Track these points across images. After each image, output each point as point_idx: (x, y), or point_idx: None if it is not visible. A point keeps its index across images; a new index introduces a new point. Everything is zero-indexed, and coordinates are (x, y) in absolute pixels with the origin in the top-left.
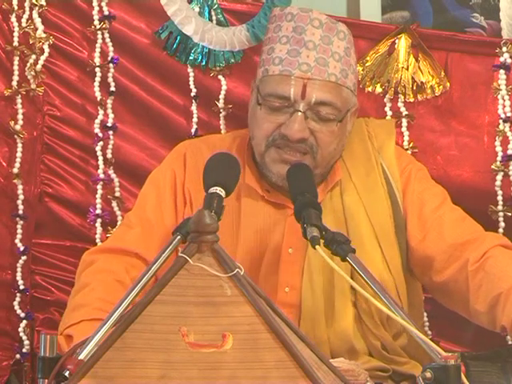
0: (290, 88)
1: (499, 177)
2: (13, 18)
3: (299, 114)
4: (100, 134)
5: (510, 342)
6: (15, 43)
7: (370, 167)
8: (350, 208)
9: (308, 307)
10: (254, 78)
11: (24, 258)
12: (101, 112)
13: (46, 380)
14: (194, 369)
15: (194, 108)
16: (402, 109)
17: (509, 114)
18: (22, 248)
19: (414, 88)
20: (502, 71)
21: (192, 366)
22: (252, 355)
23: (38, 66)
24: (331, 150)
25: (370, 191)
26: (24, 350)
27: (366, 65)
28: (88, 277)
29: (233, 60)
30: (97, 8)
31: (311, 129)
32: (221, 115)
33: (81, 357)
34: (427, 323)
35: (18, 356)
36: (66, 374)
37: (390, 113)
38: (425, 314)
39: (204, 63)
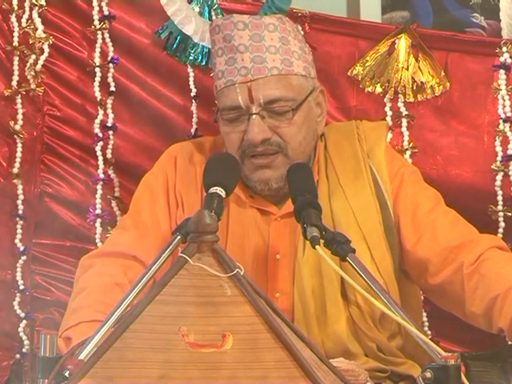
0: (237, 96)
1: (499, 177)
2: (13, 18)
3: (254, 117)
4: (100, 134)
5: (510, 342)
6: (15, 43)
7: (359, 171)
8: (337, 212)
9: (300, 312)
10: None
11: (24, 257)
12: (101, 112)
13: (46, 380)
14: (193, 369)
15: (193, 108)
16: (402, 109)
17: (509, 114)
18: (21, 248)
19: (414, 88)
20: (501, 71)
21: (192, 366)
22: (252, 355)
23: (38, 66)
24: (300, 139)
25: (358, 195)
26: (24, 350)
27: (366, 65)
28: (86, 281)
29: None
30: (97, 8)
31: (271, 127)
32: None
33: (81, 357)
34: (427, 323)
35: (17, 356)
36: (66, 374)
37: (390, 113)
38: (424, 314)
39: (204, 63)
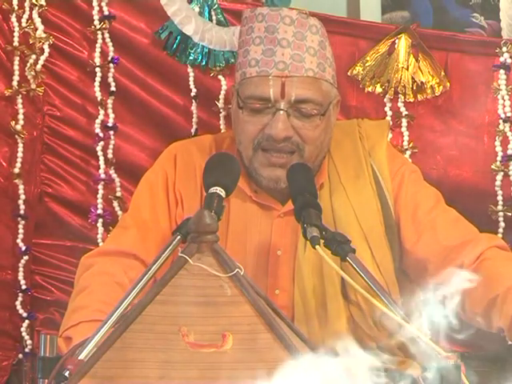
0: (269, 88)
1: (499, 177)
2: (13, 18)
3: (281, 112)
4: (101, 134)
5: (510, 342)
6: (15, 43)
7: (360, 169)
8: (338, 210)
9: (300, 310)
10: (234, 82)
11: (26, 257)
12: (101, 112)
13: (46, 380)
14: (194, 369)
15: (193, 108)
16: (402, 109)
17: (509, 114)
18: (23, 248)
19: (414, 88)
20: (502, 71)
21: (192, 366)
22: (252, 355)
23: (38, 66)
24: (318, 144)
25: (359, 193)
26: (26, 350)
27: (366, 65)
28: (87, 280)
29: (233, 60)
30: (97, 8)
31: (294, 126)
32: (221, 115)
33: (81, 357)
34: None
35: (20, 356)
36: (66, 374)
37: (389, 113)
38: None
39: (204, 63)
